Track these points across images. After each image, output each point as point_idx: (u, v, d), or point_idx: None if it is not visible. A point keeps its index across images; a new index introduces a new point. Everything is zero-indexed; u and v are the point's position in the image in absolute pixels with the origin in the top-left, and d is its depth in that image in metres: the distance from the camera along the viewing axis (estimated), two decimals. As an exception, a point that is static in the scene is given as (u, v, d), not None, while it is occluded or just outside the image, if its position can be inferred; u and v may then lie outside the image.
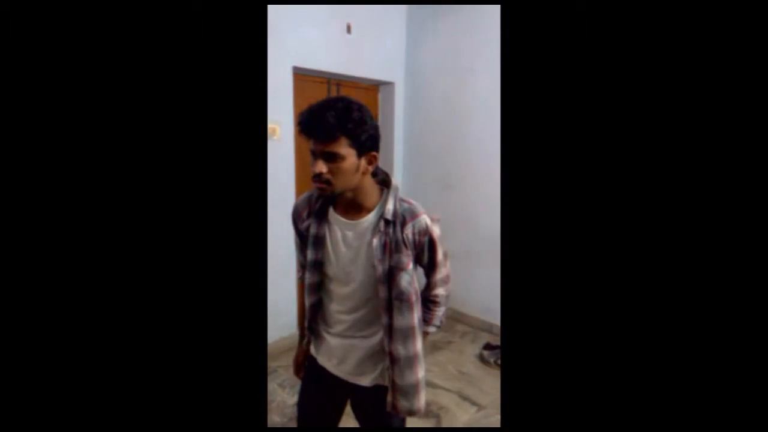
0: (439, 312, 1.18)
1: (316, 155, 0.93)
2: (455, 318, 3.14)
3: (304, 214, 1.11)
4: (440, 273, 1.12)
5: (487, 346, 2.69)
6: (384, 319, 1.03)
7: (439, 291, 1.15)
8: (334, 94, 2.97)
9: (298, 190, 2.72)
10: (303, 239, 1.12)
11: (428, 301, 1.16)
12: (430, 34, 3.10)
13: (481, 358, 2.63)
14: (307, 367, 1.25)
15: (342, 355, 1.13)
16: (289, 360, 2.59)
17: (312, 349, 1.22)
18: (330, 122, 0.89)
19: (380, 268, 0.99)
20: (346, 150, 0.91)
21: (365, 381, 1.13)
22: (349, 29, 2.83)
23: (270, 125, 2.49)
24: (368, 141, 0.94)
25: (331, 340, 1.14)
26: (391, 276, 0.99)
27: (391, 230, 0.99)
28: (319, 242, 1.07)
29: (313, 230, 1.07)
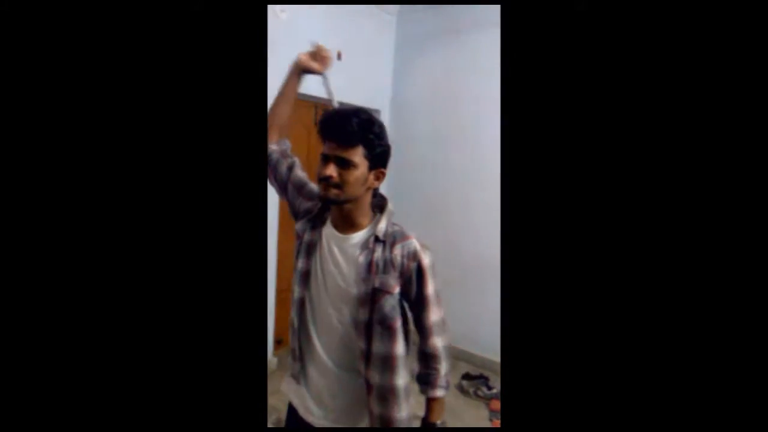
0: (443, 369, 1.01)
1: (329, 159, 0.91)
2: (433, 346, 3.12)
3: (307, 205, 1.07)
4: (433, 314, 0.99)
5: (466, 376, 2.68)
6: (361, 344, 0.95)
7: (436, 341, 0.99)
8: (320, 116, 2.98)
9: (282, 212, 2.68)
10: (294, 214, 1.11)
11: (426, 356, 1.00)
12: (418, 63, 3.18)
13: (461, 389, 2.62)
14: (287, 425, 1.12)
15: (328, 395, 1.01)
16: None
17: (292, 397, 1.08)
18: (353, 128, 0.89)
19: (362, 288, 0.94)
20: (360, 159, 0.91)
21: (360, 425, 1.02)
22: (339, 56, 2.87)
23: (258, 146, 2.46)
24: (381, 156, 0.95)
25: (315, 375, 1.02)
26: (374, 298, 0.93)
27: (380, 249, 0.95)
28: (311, 250, 1.01)
29: (307, 237, 1.03)
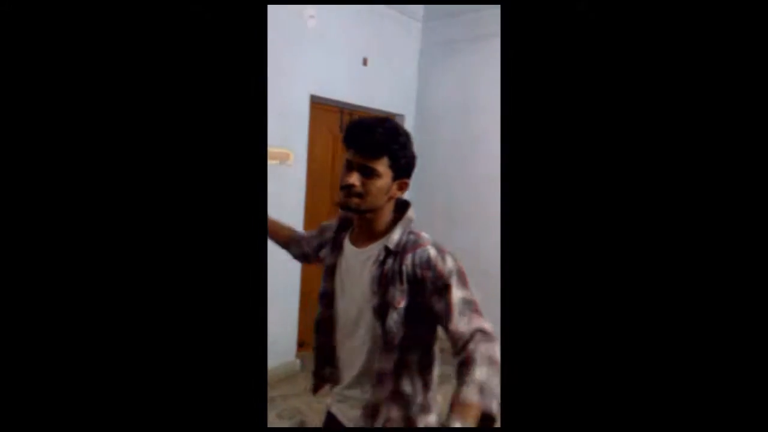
0: (477, 373, 0.76)
1: (353, 167, 0.90)
2: (455, 353, 3.10)
3: (314, 243, 1.15)
4: (462, 323, 0.83)
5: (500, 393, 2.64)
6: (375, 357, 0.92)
7: (471, 347, 0.80)
8: (346, 123, 3.03)
9: (307, 216, 2.72)
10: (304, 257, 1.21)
11: (461, 363, 0.80)
12: (443, 70, 3.19)
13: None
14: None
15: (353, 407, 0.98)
16: (286, 389, 2.53)
17: (329, 402, 1.07)
18: (377, 138, 0.88)
19: (374, 302, 0.90)
20: (384, 169, 0.89)
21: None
22: (365, 62, 2.90)
23: (284, 150, 2.51)
24: (406, 167, 0.93)
25: (343, 401, 1.01)
26: (383, 312, 0.89)
27: (390, 261, 0.90)
28: (330, 272, 1.03)
29: (328, 260, 1.04)
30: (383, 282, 0.90)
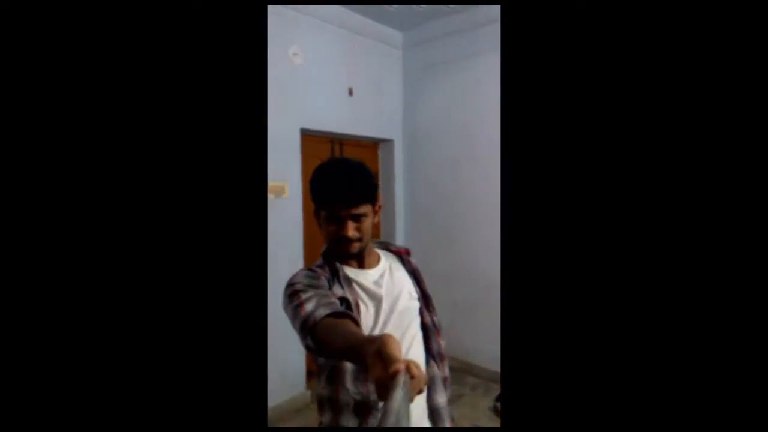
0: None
1: (343, 219, 0.95)
2: (465, 370, 3.10)
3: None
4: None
5: (500, 398, 2.65)
6: (428, 345, 1.06)
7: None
8: (337, 152, 3.10)
9: (307, 248, 2.76)
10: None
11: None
12: (426, 93, 3.29)
13: (495, 411, 2.59)
14: None
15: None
16: (298, 421, 2.52)
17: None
18: (363, 187, 0.95)
19: (417, 296, 1.06)
20: (367, 208, 0.97)
21: None
22: (351, 92, 3.00)
23: (279, 184, 2.57)
24: (375, 194, 1.01)
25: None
26: (428, 304, 1.08)
27: (406, 264, 1.10)
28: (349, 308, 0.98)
29: (346, 295, 0.99)
30: (416, 279, 1.08)
